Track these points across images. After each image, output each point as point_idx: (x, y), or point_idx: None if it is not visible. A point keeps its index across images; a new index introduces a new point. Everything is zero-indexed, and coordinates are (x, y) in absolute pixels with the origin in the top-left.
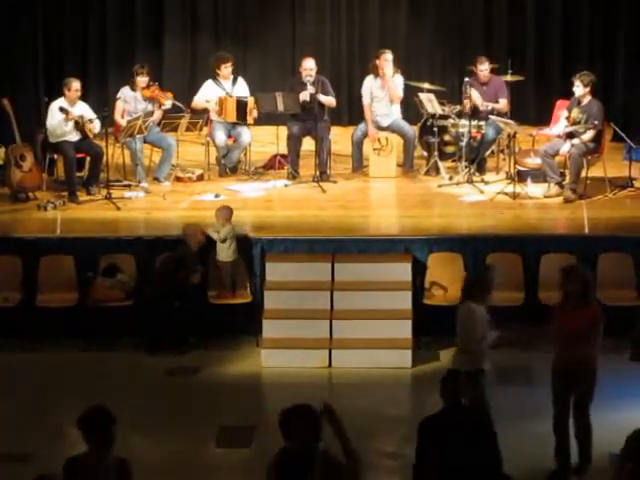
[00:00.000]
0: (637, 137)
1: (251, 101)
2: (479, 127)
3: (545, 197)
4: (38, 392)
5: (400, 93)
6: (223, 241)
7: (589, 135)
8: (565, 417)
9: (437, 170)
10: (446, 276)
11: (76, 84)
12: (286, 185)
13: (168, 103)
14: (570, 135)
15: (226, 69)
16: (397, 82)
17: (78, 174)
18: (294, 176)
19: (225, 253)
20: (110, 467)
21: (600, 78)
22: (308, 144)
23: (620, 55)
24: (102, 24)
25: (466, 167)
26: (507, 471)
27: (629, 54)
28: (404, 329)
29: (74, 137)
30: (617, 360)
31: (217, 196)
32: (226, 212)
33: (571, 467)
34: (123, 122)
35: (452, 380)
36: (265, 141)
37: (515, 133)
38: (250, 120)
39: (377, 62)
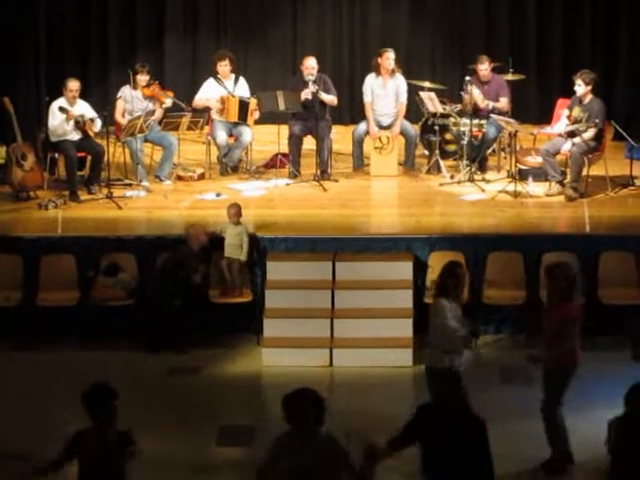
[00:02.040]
0: (638, 135)
1: (253, 102)
2: (480, 126)
3: (546, 196)
4: (39, 391)
5: (404, 98)
6: (233, 240)
7: (590, 134)
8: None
9: (438, 169)
10: None
11: (72, 84)
12: (287, 184)
13: (169, 101)
14: (571, 134)
15: (221, 67)
16: (399, 82)
17: (79, 173)
18: (295, 175)
19: (234, 250)
20: (114, 439)
21: (601, 76)
22: (309, 143)
23: (622, 53)
24: (103, 23)
25: (467, 166)
26: (506, 469)
27: (630, 52)
28: (405, 328)
29: (75, 136)
30: (619, 358)
31: (218, 195)
32: (235, 209)
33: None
34: (124, 121)
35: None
36: (266, 140)
37: (516, 132)
38: (250, 121)
39: (379, 60)
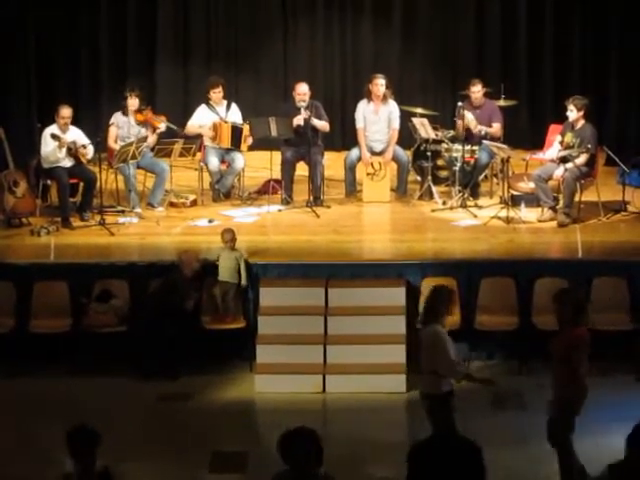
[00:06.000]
0: (630, 161)
1: (246, 128)
2: (472, 152)
3: (539, 221)
4: (31, 417)
5: (396, 124)
6: (229, 264)
7: (582, 159)
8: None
9: (430, 195)
10: None
11: (64, 111)
12: (280, 210)
13: (162, 126)
14: (563, 159)
15: (215, 94)
16: (392, 108)
17: (71, 200)
18: (288, 201)
19: (230, 275)
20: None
21: (593, 102)
22: (301, 169)
23: (613, 79)
24: (94, 50)
25: (459, 192)
26: None
27: (622, 78)
28: (398, 354)
29: (67, 163)
30: (612, 383)
31: (211, 221)
32: (231, 234)
33: None
34: (116, 147)
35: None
36: (258, 166)
37: (508, 157)
38: (244, 147)
39: (370, 86)
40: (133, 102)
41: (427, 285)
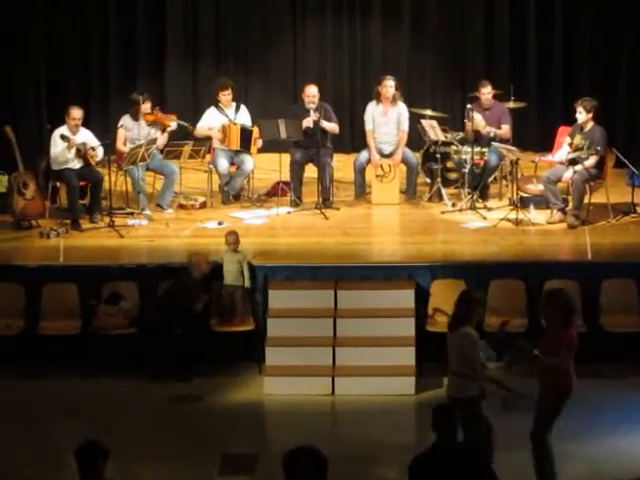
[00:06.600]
0: (639, 163)
1: (256, 131)
2: (482, 154)
3: (548, 223)
4: (41, 420)
5: (405, 125)
6: (232, 267)
7: (592, 161)
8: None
9: (440, 197)
10: (449, 302)
11: (75, 112)
12: (289, 212)
13: (173, 124)
14: (573, 161)
15: (224, 96)
16: (401, 110)
17: (81, 202)
18: (297, 203)
19: (235, 277)
20: None
21: (602, 104)
22: (311, 171)
23: (622, 81)
24: (104, 51)
25: (469, 194)
26: None
27: (631, 80)
28: (407, 356)
29: (76, 164)
30: (620, 385)
31: (220, 223)
32: (234, 236)
33: None
34: (125, 150)
35: (445, 414)
36: (268, 168)
37: (518, 159)
38: (254, 150)
39: (379, 88)
40: (147, 106)
41: (437, 287)
